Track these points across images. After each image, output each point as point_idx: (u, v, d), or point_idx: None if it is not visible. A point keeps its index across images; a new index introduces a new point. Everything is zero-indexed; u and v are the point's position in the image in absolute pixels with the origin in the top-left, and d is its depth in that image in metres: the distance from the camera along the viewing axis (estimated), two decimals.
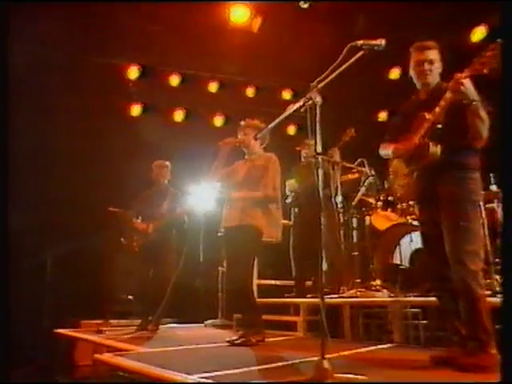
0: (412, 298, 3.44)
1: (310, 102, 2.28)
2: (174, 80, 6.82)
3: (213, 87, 7.01)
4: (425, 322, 3.59)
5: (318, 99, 2.27)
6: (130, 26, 6.03)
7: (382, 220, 4.19)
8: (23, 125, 5.42)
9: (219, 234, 5.48)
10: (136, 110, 6.88)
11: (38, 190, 5.50)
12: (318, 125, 2.22)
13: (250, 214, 3.58)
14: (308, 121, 2.26)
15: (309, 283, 5.05)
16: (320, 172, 2.18)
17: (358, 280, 4.19)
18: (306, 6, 5.97)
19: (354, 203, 4.38)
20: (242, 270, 3.50)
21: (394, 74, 6.82)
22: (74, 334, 4.11)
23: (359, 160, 4.62)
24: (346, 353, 2.88)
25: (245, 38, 6.32)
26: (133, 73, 6.66)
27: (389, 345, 3.30)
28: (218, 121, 7.28)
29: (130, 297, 5.32)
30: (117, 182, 6.07)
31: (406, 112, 2.94)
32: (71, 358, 4.67)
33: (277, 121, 2.65)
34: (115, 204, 5.60)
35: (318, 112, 2.24)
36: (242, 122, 3.88)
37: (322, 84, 2.36)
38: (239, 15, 6.15)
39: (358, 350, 3.02)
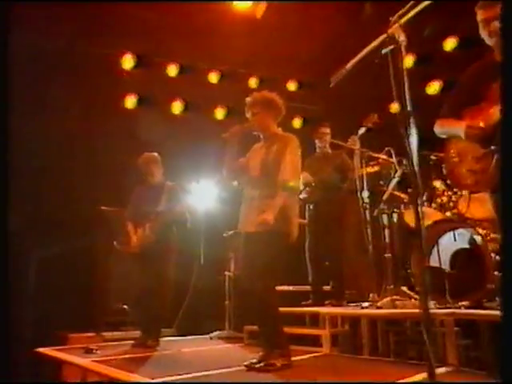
0: (474, 311, 2.73)
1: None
2: (172, 70, 6.07)
3: (213, 77, 6.28)
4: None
5: (402, 38, 1.59)
6: (123, 12, 5.29)
7: None
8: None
9: (225, 235, 4.81)
10: (131, 101, 6.10)
11: (20, 186, 4.71)
12: (404, 73, 1.52)
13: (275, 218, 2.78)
14: (390, 67, 1.56)
15: (327, 288, 4.36)
16: (413, 141, 1.48)
17: (391, 286, 3.48)
18: None
19: (384, 198, 3.66)
20: (265, 279, 2.75)
21: (408, 61, 6.14)
22: (58, 356, 3.34)
23: (386, 149, 3.92)
24: (402, 382, 2.16)
25: (248, 25, 5.61)
26: (127, 62, 5.89)
27: (445, 369, 2.58)
28: (220, 113, 6.53)
29: (124, 306, 4.55)
30: (110, 178, 5.31)
31: (476, 79, 2.26)
32: (58, 378, 3.90)
33: (351, 64, 1.96)
34: (107, 202, 4.86)
35: (402, 54, 1.55)
36: (248, 99, 3.05)
37: (405, 19, 1.67)
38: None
39: (413, 379, 2.30)
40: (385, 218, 3.66)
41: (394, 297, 3.29)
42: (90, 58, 5.48)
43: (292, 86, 6.61)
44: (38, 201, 4.72)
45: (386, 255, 3.53)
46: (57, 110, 5.54)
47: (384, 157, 3.94)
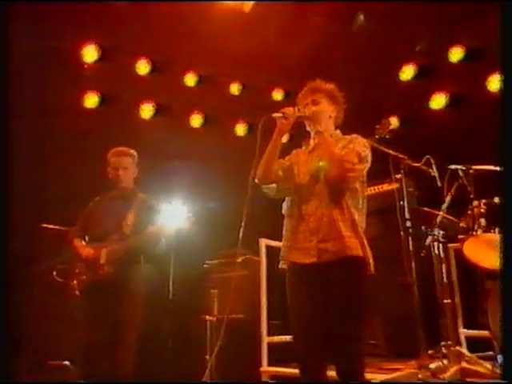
0: None
1: None
2: (143, 67, 4.84)
3: (190, 80, 5.09)
4: None
5: None
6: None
7: (486, 250, 2.34)
8: None
9: (206, 266, 3.52)
10: (92, 100, 4.78)
11: None
12: None
13: (341, 241, 1.89)
14: None
15: None
16: None
17: (456, 347, 2.28)
18: None
19: (437, 221, 2.51)
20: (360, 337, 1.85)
21: (407, 73, 5.16)
22: None
23: (426, 157, 2.82)
24: None
25: (232, 24, 4.53)
26: (89, 54, 4.61)
27: None
28: (196, 120, 5.31)
29: (66, 362, 3.10)
30: (59, 188, 3.92)
31: None
32: None
33: None
34: (52, 219, 3.47)
35: None
36: (310, 83, 2.16)
37: None
38: None
39: None
40: (439, 249, 2.49)
41: (464, 365, 2.11)
42: (44, 49, 4.19)
43: (278, 95, 5.50)
44: None
45: (444, 301, 2.37)
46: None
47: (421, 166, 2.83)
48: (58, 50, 4.35)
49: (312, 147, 2.14)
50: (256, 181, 2.05)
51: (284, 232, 2.07)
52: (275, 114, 1.98)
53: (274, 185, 2.09)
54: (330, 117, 2.12)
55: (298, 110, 2.03)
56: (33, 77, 4.24)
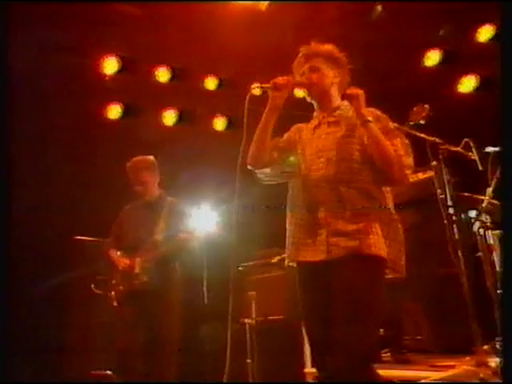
0: None
1: None
2: (163, 75, 4.81)
3: (211, 84, 5.03)
4: None
5: None
6: (106, 8, 4.07)
7: None
8: None
9: (241, 268, 3.46)
10: (115, 111, 4.80)
11: None
12: None
13: (354, 235, 1.58)
14: None
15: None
16: None
17: None
18: None
19: (483, 206, 2.36)
20: (358, 345, 1.49)
21: (432, 58, 4.97)
22: None
23: (464, 141, 2.67)
24: None
25: (249, 24, 4.44)
26: (110, 66, 4.62)
27: None
28: (219, 124, 5.25)
29: (108, 372, 3.09)
30: (89, 200, 3.93)
31: None
32: None
33: None
34: (85, 230, 3.47)
35: None
36: (305, 48, 1.84)
37: None
38: None
39: None
40: (487, 236, 2.34)
41: None
42: (66, 62, 4.22)
43: (301, 93, 5.39)
44: None
45: (498, 291, 2.21)
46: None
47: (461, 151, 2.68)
48: (79, 64, 4.39)
49: (315, 125, 1.80)
50: (248, 166, 1.74)
51: (288, 226, 1.74)
52: (265, 85, 1.71)
53: (267, 169, 1.78)
54: (333, 83, 1.78)
55: (295, 80, 1.76)
56: (54, 92, 4.29)
